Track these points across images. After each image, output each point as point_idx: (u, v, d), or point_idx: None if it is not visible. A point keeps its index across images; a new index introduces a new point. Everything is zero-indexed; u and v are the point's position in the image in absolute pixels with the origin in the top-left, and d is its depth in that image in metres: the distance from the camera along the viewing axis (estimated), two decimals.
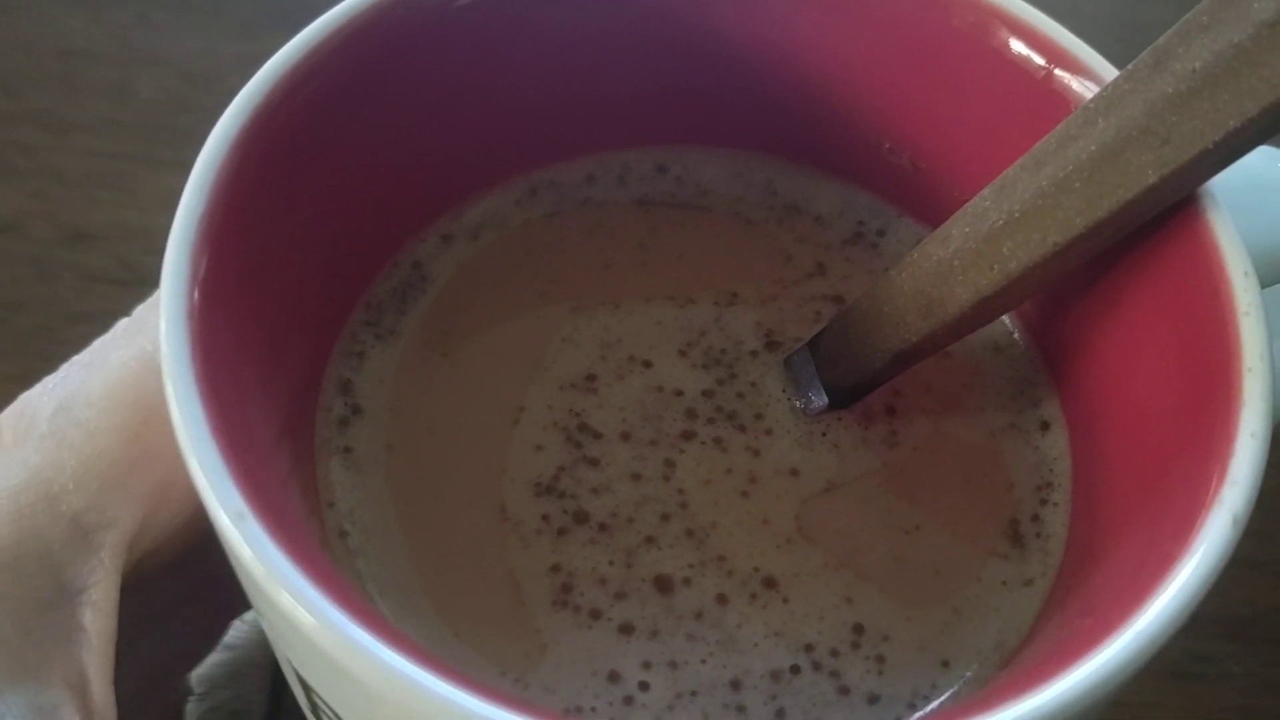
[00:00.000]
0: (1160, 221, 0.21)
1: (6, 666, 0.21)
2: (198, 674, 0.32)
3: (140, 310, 0.24)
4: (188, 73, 0.45)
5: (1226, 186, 0.21)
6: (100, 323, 0.24)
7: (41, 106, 0.45)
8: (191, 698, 0.33)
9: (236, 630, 0.32)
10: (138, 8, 0.47)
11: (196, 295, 0.19)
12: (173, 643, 0.29)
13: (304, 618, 0.17)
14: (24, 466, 0.22)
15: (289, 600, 0.17)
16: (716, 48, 0.27)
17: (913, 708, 0.22)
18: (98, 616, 0.22)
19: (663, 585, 0.23)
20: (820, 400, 0.25)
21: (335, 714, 0.20)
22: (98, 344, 0.24)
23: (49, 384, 0.24)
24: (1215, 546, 0.18)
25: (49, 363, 0.24)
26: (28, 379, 0.24)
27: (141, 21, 0.47)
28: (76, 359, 0.24)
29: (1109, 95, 0.21)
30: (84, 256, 0.41)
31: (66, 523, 0.22)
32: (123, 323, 0.24)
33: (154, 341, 0.21)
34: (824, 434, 0.25)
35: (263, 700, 0.34)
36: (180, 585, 0.27)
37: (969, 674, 0.22)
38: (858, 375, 0.24)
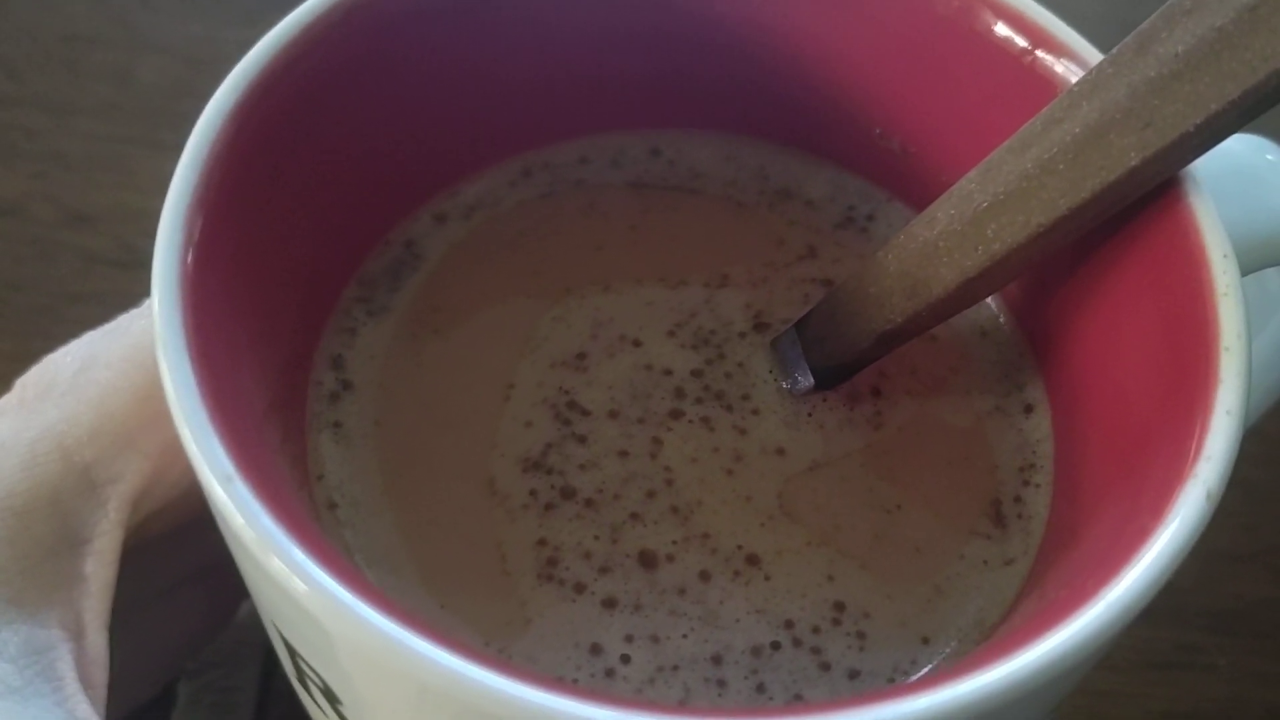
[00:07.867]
0: (1142, 204, 0.22)
1: (6, 606, 0.21)
2: None
3: None
4: (189, 58, 0.46)
5: (1211, 174, 0.21)
6: (100, 303, 0.24)
7: (44, 90, 0.45)
8: (183, 675, 0.33)
9: None
10: None
11: (190, 258, 0.19)
12: (172, 622, 0.29)
13: (294, 583, 0.17)
14: (43, 419, 0.23)
15: (278, 564, 0.18)
16: (710, 33, 0.27)
17: (892, 683, 0.22)
18: (99, 566, 0.22)
19: (647, 561, 0.23)
20: (806, 381, 0.25)
21: (321, 679, 0.20)
22: (123, 316, 0.25)
23: (72, 347, 0.24)
24: (1189, 520, 0.18)
25: (49, 342, 0.25)
26: (28, 358, 0.24)
27: (144, 6, 0.47)
28: (101, 327, 0.24)
29: (1093, 79, 0.21)
30: (84, 238, 0.42)
31: (78, 474, 0.22)
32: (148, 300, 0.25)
33: None
34: (810, 414, 0.25)
35: (254, 679, 0.34)
36: (181, 562, 0.27)
37: (948, 650, 0.22)
38: (843, 356, 0.24)
